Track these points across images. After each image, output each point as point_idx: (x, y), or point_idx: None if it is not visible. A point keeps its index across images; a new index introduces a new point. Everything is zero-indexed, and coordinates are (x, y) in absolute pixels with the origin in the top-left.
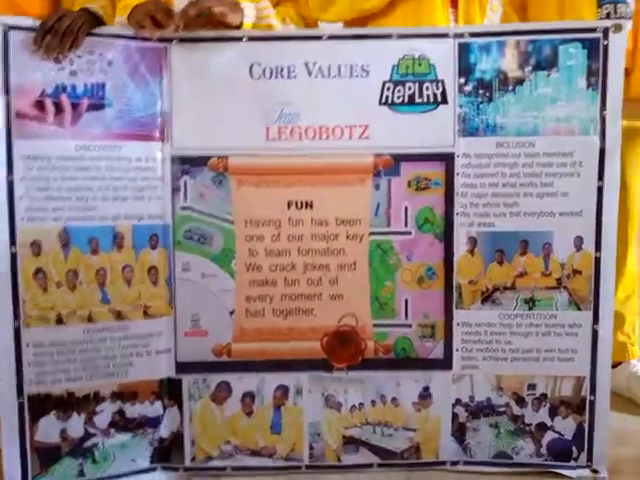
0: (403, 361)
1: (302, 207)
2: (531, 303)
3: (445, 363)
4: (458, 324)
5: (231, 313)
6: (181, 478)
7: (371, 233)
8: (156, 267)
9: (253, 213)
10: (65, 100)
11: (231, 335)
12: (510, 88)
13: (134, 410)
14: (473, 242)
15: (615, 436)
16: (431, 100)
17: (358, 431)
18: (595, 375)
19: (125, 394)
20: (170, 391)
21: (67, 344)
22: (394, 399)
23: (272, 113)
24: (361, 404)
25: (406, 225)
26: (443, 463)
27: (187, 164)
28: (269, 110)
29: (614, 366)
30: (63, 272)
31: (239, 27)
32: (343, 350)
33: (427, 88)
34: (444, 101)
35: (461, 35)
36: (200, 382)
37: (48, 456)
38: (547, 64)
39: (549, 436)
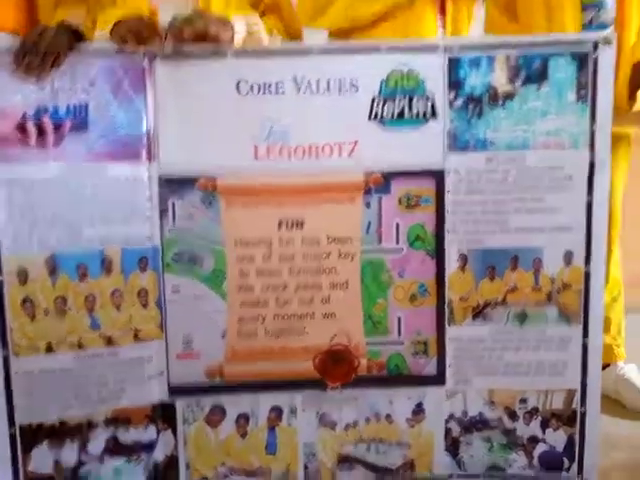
0: (396, 378)
1: (293, 226)
2: (522, 318)
3: (438, 379)
4: (450, 340)
5: (223, 334)
6: None
7: (363, 251)
8: (146, 290)
9: (243, 233)
10: (47, 122)
11: (224, 356)
12: (500, 102)
13: (128, 436)
14: (464, 259)
15: (604, 441)
16: (421, 115)
17: (353, 449)
18: (585, 388)
19: (118, 420)
20: (164, 415)
21: (57, 372)
22: (388, 416)
23: (260, 131)
24: (355, 422)
25: (397, 242)
26: (437, 477)
27: (175, 184)
28: (257, 128)
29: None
30: (51, 299)
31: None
32: (336, 369)
33: (416, 103)
34: (434, 116)
35: (450, 49)
36: (194, 405)
37: None
38: (537, 77)
39: (541, 448)
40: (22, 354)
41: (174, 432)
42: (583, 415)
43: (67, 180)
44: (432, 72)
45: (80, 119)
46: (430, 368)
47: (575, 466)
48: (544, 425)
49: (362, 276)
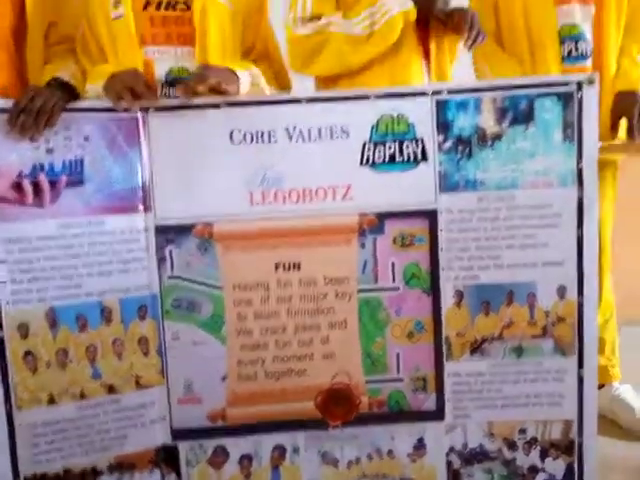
0: (397, 414)
1: (290, 269)
2: (519, 352)
3: (438, 414)
4: (449, 375)
5: (223, 378)
6: None
7: (359, 290)
8: (146, 337)
9: (241, 277)
10: (43, 179)
11: (225, 400)
12: (489, 143)
13: None
14: (460, 295)
15: (601, 463)
16: (411, 159)
17: None
18: (582, 417)
19: (122, 466)
20: (167, 458)
21: (61, 422)
22: (390, 452)
23: (255, 178)
24: (358, 459)
25: (394, 281)
26: None
27: (171, 233)
28: (252, 175)
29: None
30: (52, 352)
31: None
32: (337, 408)
33: (407, 147)
34: (424, 159)
35: (438, 92)
36: (197, 448)
37: None
38: (524, 118)
39: (540, 477)
40: (25, 407)
41: (178, 475)
42: (581, 444)
43: (65, 235)
44: (421, 116)
45: (76, 174)
46: (429, 403)
47: None
48: (543, 455)
49: (360, 315)
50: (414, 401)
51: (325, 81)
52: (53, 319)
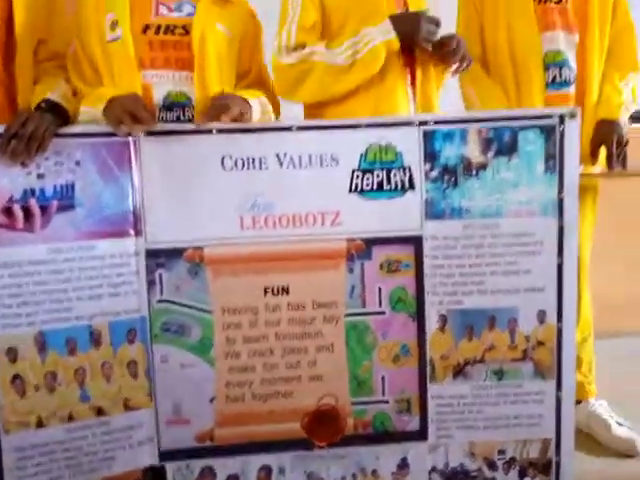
0: (382, 435)
1: (278, 293)
2: (500, 375)
3: (421, 434)
4: (432, 397)
5: (211, 400)
6: None
7: (347, 314)
8: (135, 361)
9: (230, 301)
10: (34, 204)
11: (213, 421)
12: (474, 173)
13: None
14: (444, 320)
15: (579, 478)
16: (399, 187)
17: None
18: (560, 437)
19: None
20: (154, 479)
21: (49, 445)
22: (374, 471)
23: (245, 203)
24: (343, 478)
25: (380, 305)
26: None
27: (162, 257)
28: (242, 200)
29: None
30: (41, 375)
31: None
32: (323, 429)
33: (394, 175)
34: (411, 187)
35: (426, 123)
36: (184, 468)
37: None
38: (508, 149)
39: None
40: (12, 431)
41: None
42: (558, 463)
43: (55, 260)
44: (409, 145)
45: (67, 199)
46: (413, 424)
47: None
48: (522, 474)
49: (347, 339)
50: (398, 422)
51: (313, 107)
52: (42, 343)
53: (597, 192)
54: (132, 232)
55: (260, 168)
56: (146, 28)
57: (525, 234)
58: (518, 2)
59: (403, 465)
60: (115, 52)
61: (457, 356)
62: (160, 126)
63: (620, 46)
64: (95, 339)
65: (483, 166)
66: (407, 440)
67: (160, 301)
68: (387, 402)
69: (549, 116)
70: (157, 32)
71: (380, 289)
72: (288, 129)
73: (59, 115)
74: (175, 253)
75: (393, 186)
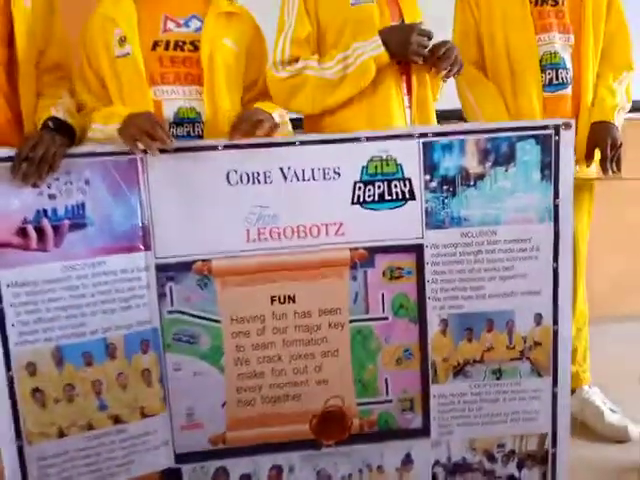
0: (386, 433)
1: (285, 301)
2: (498, 374)
3: (424, 431)
4: (434, 396)
5: (223, 405)
6: None
7: (351, 320)
8: (149, 370)
9: (238, 311)
10: (46, 224)
11: (225, 425)
12: (472, 183)
13: None
14: (444, 323)
15: (573, 464)
16: (400, 197)
17: None
18: (556, 431)
19: None
20: None
21: (70, 453)
22: (379, 467)
23: (251, 216)
24: (350, 474)
25: (383, 311)
26: None
27: (171, 270)
28: (248, 213)
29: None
30: (60, 387)
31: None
32: (331, 429)
33: (395, 186)
34: (412, 197)
35: (425, 135)
36: (199, 469)
37: None
38: (505, 160)
39: None
40: (35, 442)
41: None
42: (554, 455)
43: (69, 277)
44: (409, 157)
45: (78, 218)
46: (416, 422)
47: None
48: (520, 465)
49: (352, 344)
50: (402, 421)
51: (310, 117)
52: (59, 357)
53: (593, 188)
54: (142, 247)
55: (265, 182)
56: (155, 44)
57: (522, 240)
58: (515, 5)
59: (407, 461)
60: (124, 68)
61: (457, 357)
62: (175, 144)
63: (614, 46)
64: (110, 351)
65: (481, 176)
66: (410, 437)
67: (171, 312)
68: (391, 402)
69: (545, 127)
70: (166, 48)
71: (383, 295)
72: (291, 144)
73: (66, 132)
74: (184, 266)
75: (394, 197)
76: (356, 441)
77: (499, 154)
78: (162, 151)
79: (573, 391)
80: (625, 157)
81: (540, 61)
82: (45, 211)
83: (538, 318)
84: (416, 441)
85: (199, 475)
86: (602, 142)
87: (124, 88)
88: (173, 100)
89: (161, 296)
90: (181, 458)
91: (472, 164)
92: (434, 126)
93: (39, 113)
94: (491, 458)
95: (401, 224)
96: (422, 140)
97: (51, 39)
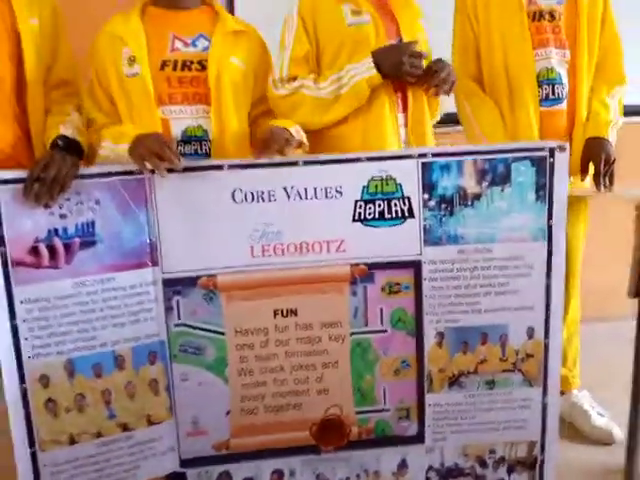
0: (383, 439)
1: (287, 315)
2: (491, 384)
3: (419, 438)
4: (430, 405)
5: (227, 413)
6: None
7: (351, 333)
8: (156, 380)
9: (243, 324)
10: (58, 243)
11: (229, 432)
12: (469, 202)
13: None
14: (441, 336)
15: (562, 466)
16: (399, 215)
17: None
18: (545, 438)
19: None
20: None
21: (80, 459)
22: (376, 472)
23: (255, 233)
24: (348, 478)
25: (382, 324)
26: None
27: (178, 285)
28: (252, 230)
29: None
30: (71, 398)
31: None
32: (330, 437)
33: (395, 205)
34: (411, 215)
35: (424, 155)
36: (203, 473)
37: None
38: (501, 180)
39: None
40: (48, 449)
41: None
42: (542, 461)
43: (80, 293)
44: (408, 177)
45: (88, 236)
46: (412, 430)
47: None
48: (510, 471)
49: (351, 355)
50: (398, 428)
51: (308, 132)
52: (71, 369)
53: (587, 202)
54: (149, 263)
55: (269, 200)
56: (164, 64)
57: (516, 258)
58: (513, 20)
59: (402, 465)
60: (134, 88)
61: (453, 368)
62: (183, 163)
63: (607, 60)
64: (119, 363)
65: (478, 196)
66: (406, 443)
67: (177, 325)
68: (388, 410)
69: (540, 149)
70: (174, 69)
71: (382, 309)
72: (294, 164)
73: (74, 150)
74: (190, 281)
75: (394, 215)
76: (354, 447)
77: (495, 174)
78: (170, 170)
79: (562, 394)
80: (624, 158)
81: (537, 76)
82: (56, 230)
83: (530, 332)
84: (411, 447)
85: (203, 479)
86: (596, 157)
87: (134, 108)
88: (181, 119)
89: (168, 310)
90: (186, 463)
91: (469, 184)
92: (433, 147)
93: (48, 131)
94: (482, 464)
95: (400, 241)
96: (421, 160)
97: (58, 55)
